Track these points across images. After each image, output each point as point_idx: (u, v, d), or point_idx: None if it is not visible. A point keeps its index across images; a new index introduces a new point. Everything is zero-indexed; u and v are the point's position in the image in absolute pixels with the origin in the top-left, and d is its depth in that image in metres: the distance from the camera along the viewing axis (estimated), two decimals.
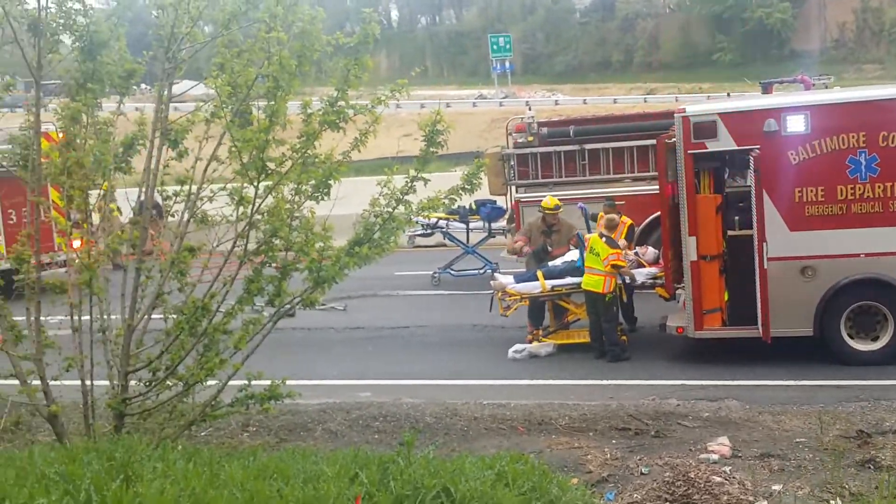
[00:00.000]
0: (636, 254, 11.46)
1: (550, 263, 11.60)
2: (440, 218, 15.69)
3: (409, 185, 7.38)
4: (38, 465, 4.45)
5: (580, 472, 6.93)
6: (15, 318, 6.92)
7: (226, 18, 6.78)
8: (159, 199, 7.22)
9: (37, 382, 6.77)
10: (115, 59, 6.94)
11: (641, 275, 11.21)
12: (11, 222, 14.36)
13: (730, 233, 10.26)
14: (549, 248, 11.85)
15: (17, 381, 6.73)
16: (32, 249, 6.75)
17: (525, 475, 5.32)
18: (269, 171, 6.76)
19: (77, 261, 6.79)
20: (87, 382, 6.89)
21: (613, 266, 10.54)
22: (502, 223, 16.21)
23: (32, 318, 6.77)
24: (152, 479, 4.19)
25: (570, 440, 7.90)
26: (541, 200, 12.42)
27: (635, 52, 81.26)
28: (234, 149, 6.82)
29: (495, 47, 60.38)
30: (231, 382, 7.14)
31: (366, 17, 6.99)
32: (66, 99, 7.15)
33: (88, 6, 6.77)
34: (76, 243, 7.28)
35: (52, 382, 6.84)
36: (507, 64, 62.09)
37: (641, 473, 6.87)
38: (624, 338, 11.05)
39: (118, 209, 7.66)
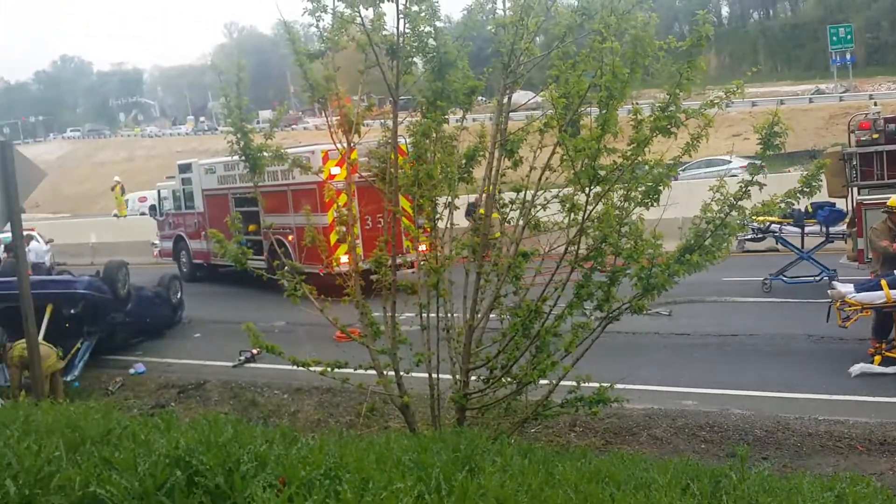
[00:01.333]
0: None
1: None
2: (773, 222, 14.81)
3: (744, 190, 7.10)
4: (394, 451, 4.84)
5: None
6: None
7: (562, 32, 7.00)
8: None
9: (391, 374, 7.52)
10: (460, 77, 7.43)
11: None
12: (368, 227, 16.01)
13: None
14: None
15: (374, 372, 7.54)
16: (389, 254, 7.52)
17: (867, 499, 4.88)
18: (601, 179, 6.85)
19: (425, 264, 7.42)
20: (434, 376, 7.52)
21: None
22: (842, 227, 14.91)
23: (388, 316, 7.53)
24: (492, 472, 4.41)
25: None
26: (886, 202, 11.33)
27: None
28: (566, 157, 7.02)
29: (835, 38, 56.02)
30: (560, 383, 7.37)
31: (699, 19, 6.83)
32: (416, 115, 7.82)
33: (439, 29, 7.34)
34: (422, 247, 7.98)
35: (403, 374, 7.57)
36: (848, 56, 57.26)
37: None
38: None
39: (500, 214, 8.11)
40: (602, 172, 6.88)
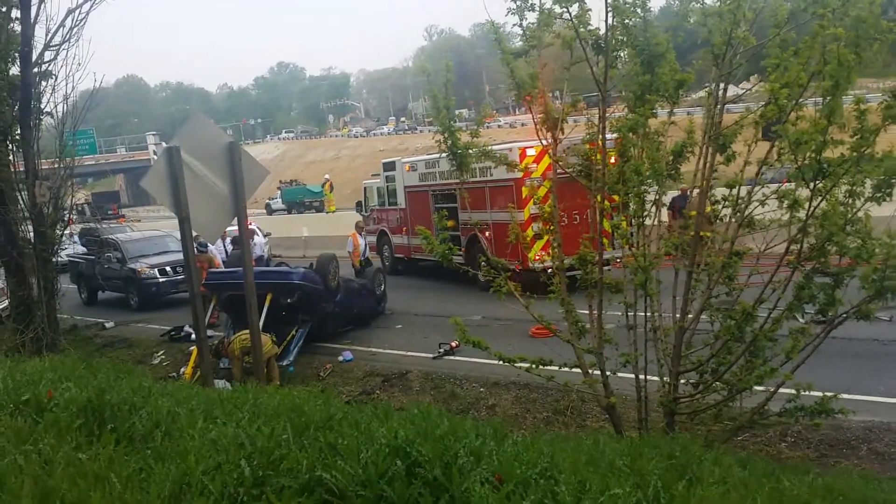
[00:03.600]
0: None
1: None
2: None
3: None
4: (605, 453, 4.70)
5: None
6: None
7: (783, 18, 6.58)
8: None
9: (597, 373, 7.40)
10: (668, 70, 7.15)
11: None
12: (564, 224, 15.88)
13: None
14: None
15: (578, 371, 7.44)
16: (595, 251, 7.40)
17: None
18: (827, 173, 6.37)
19: (630, 263, 7.22)
20: (641, 378, 7.32)
21: None
22: None
23: (594, 314, 7.41)
24: (712, 483, 4.21)
25: None
26: None
27: None
28: (784, 151, 6.59)
29: None
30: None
31: None
32: (619, 110, 7.62)
33: (648, 21, 7.12)
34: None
35: (609, 375, 7.42)
36: None
37: None
38: None
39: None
40: (827, 166, 6.39)
